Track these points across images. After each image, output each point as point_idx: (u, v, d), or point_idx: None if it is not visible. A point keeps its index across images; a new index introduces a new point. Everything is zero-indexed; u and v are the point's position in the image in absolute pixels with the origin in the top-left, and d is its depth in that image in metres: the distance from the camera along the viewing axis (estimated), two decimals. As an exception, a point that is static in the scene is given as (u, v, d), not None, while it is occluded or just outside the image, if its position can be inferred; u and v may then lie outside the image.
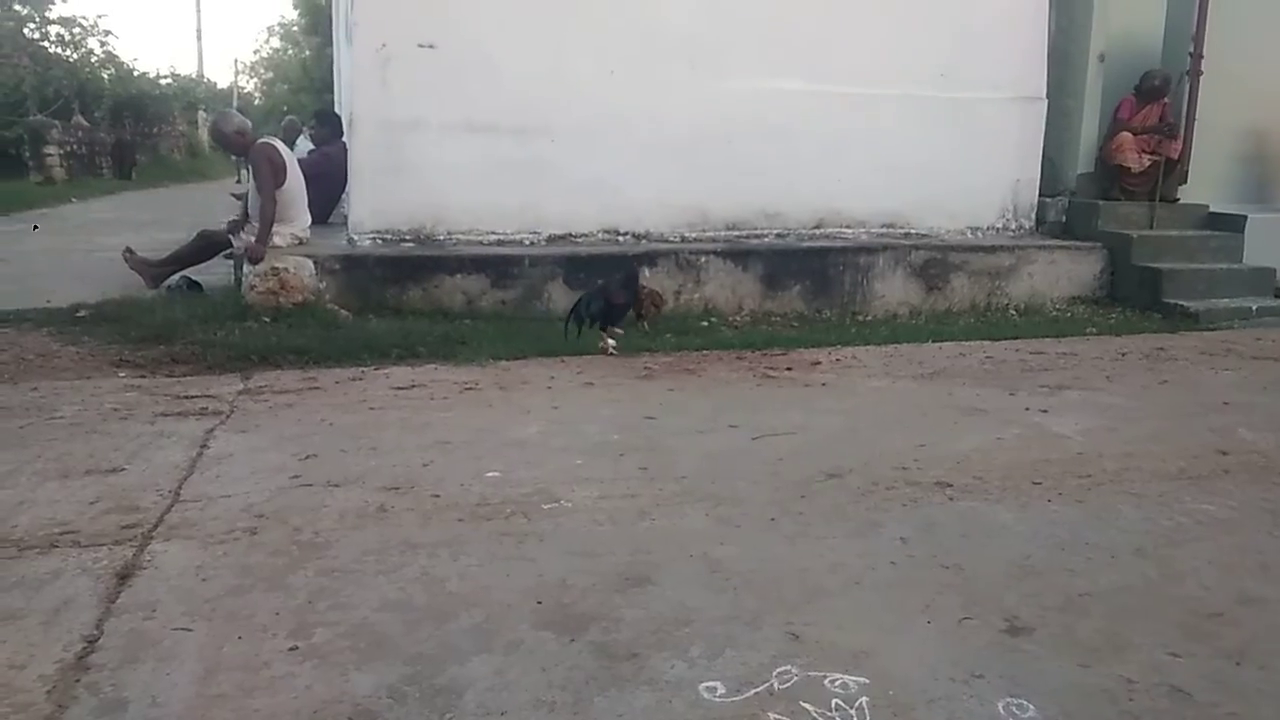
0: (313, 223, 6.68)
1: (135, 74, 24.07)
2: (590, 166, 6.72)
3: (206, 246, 6.80)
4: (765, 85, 7.00)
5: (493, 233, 6.67)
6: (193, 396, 4.32)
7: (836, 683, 2.18)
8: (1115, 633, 2.43)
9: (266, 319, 5.59)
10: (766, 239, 7.18)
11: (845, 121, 7.21)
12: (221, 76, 59.90)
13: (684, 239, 7.01)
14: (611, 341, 5.44)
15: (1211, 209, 7.97)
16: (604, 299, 5.45)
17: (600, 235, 6.91)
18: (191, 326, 5.40)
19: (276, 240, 6.14)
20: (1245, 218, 7.78)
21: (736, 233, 7.17)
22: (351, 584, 2.60)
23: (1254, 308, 7.13)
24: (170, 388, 4.48)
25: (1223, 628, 2.47)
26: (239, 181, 16.27)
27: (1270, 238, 7.78)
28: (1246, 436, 4.11)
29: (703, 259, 6.65)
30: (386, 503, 3.14)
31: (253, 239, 6.01)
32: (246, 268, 5.90)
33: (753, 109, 6.99)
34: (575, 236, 6.84)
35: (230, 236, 6.56)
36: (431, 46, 6.37)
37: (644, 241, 6.90)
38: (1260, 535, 3.08)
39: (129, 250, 6.85)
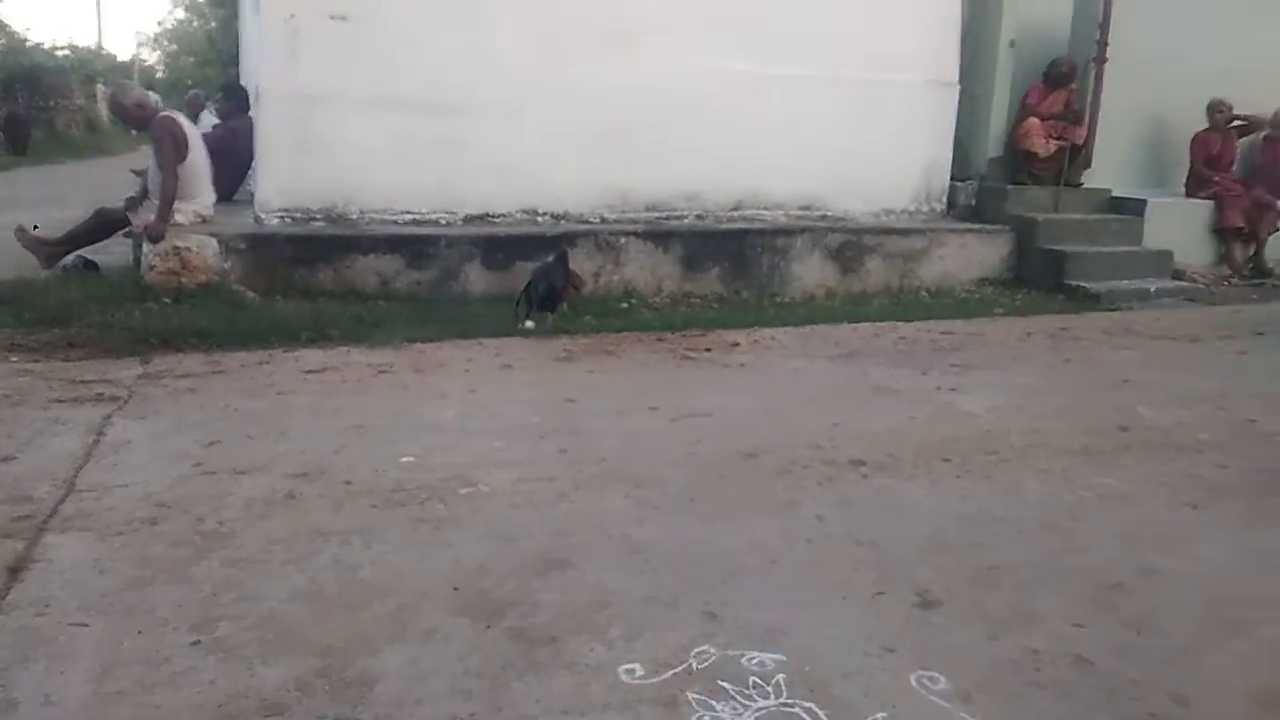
0: (217, 200, 6.43)
1: (29, 44, 22.89)
2: (509, 146, 6.61)
3: (103, 225, 6.49)
4: (686, 66, 6.95)
5: (408, 212, 6.52)
6: (89, 381, 4.13)
7: (754, 661, 2.19)
8: (1022, 605, 2.50)
9: (167, 300, 5.36)
10: (686, 220, 7.18)
11: (764, 103, 7.23)
12: (122, 49, 57.37)
13: (604, 220, 6.96)
14: (529, 323, 5.39)
15: (1114, 193, 8.25)
16: (548, 281, 5.43)
17: (519, 215, 6.81)
18: (88, 308, 5.14)
19: (178, 218, 5.90)
20: (1146, 202, 8.07)
21: (657, 214, 7.15)
22: (258, 574, 2.51)
23: (1153, 289, 7.41)
24: (65, 372, 4.27)
25: (1124, 598, 2.56)
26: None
27: (1169, 221, 8.10)
28: (1145, 414, 4.26)
29: (623, 240, 6.62)
30: (295, 490, 3.05)
31: (152, 216, 5.76)
32: (146, 247, 5.65)
33: (674, 89, 6.94)
34: (493, 217, 6.73)
35: (128, 214, 6.28)
36: (343, 18, 6.17)
37: (563, 222, 6.83)
38: (1158, 509, 3.21)
39: (21, 229, 6.49)
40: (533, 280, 5.50)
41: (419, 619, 2.32)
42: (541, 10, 6.63)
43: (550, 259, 5.67)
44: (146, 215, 5.91)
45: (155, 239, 5.61)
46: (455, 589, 2.47)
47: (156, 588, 2.43)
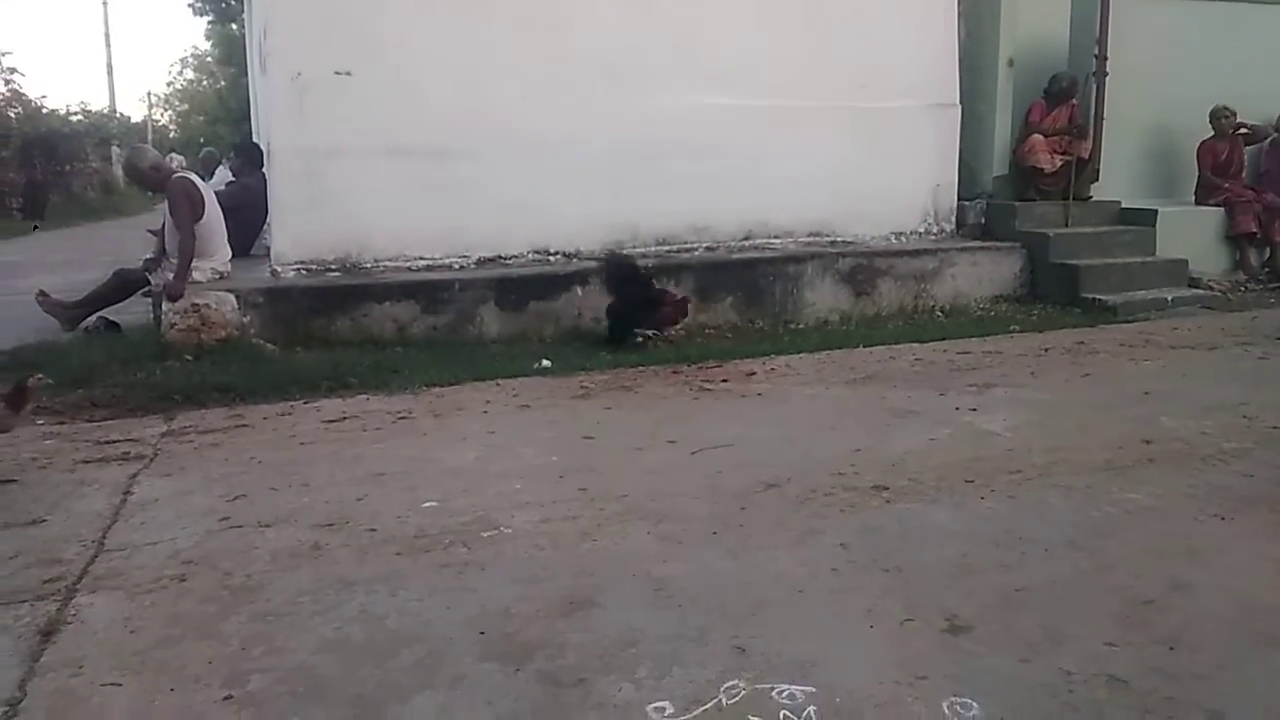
0: (233, 256, 6.53)
1: (44, 111, 23.33)
2: (517, 188, 6.70)
3: (123, 285, 6.60)
4: (688, 101, 7.05)
5: (420, 258, 6.59)
6: (114, 441, 4.18)
7: (784, 694, 2.18)
8: (1052, 626, 2.48)
9: (189, 357, 5.43)
10: (697, 252, 7.23)
11: (769, 134, 7.31)
12: (135, 110, 58.37)
13: (615, 256, 7.01)
14: (546, 362, 5.46)
15: (1123, 205, 8.25)
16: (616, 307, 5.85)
17: (531, 256, 6.88)
18: (111, 368, 5.22)
19: (196, 276, 5.99)
20: (1156, 212, 8.07)
21: (667, 247, 7.20)
22: (286, 627, 2.53)
23: (1169, 298, 7.38)
24: (90, 433, 4.32)
25: (1155, 615, 2.54)
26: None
27: (1181, 230, 8.09)
28: (1168, 425, 4.24)
29: (635, 275, 6.65)
30: (320, 540, 3.07)
31: (170, 276, 5.85)
32: (165, 305, 5.73)
33: (677, 125, 7.03)
34: (505, 258, 6.80)
35: (147, 274, 6.38)
36: (348, 73, 6.29)
37: (575, 260, 6.89)
38: (1186, 521, 3.18)
39: (42, 293, 6.61)
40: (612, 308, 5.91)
41: (447, 665, 2.32)
42: (542, 56, 6.74)
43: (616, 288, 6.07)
44: (165, 275, 5.99)
45: (174, 298, 5.69)
46: (482, 633, 2.47)
47: (187, 644, 2.45)
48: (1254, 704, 2.14)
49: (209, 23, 30.22)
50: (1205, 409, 4.45)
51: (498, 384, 5.14)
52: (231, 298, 5.78)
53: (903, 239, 7.85)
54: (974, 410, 4.53)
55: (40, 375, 3.96)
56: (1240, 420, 4.27)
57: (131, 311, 6.69)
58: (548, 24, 6.74)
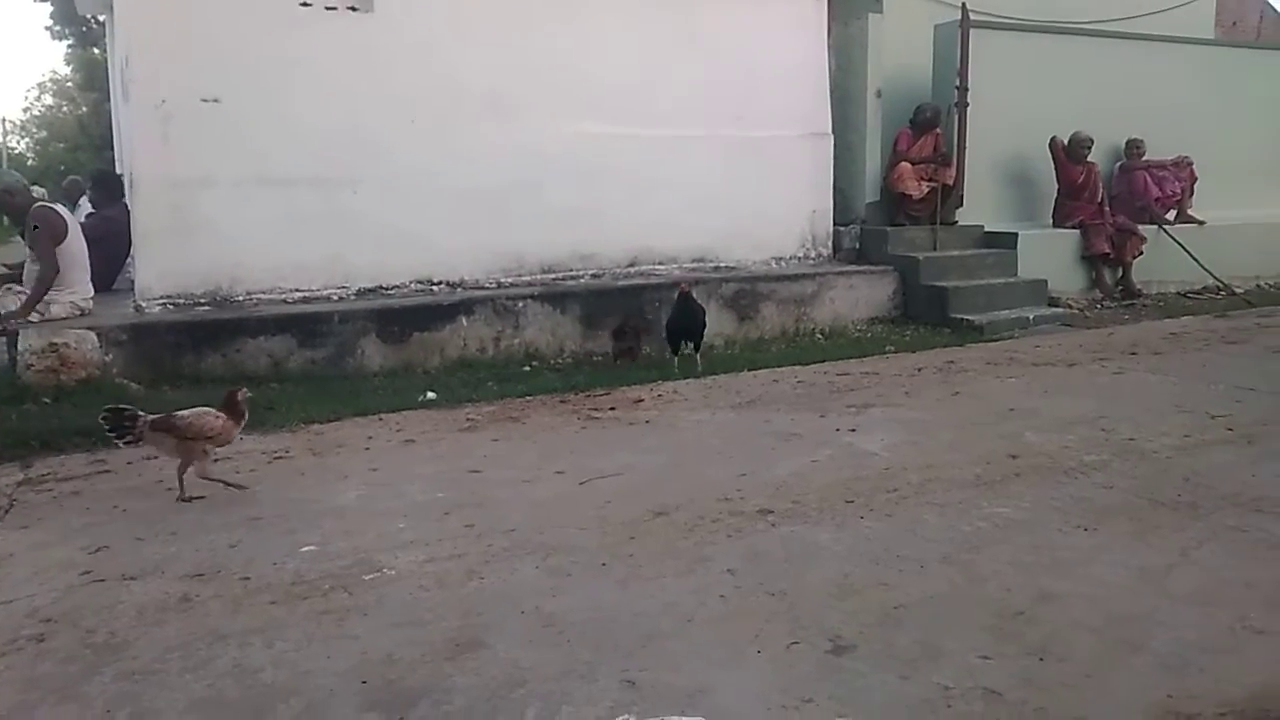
0: (95, 291, 6.21)
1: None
2: (398, 217, 6.60)
3: (-28, 324, 6.19)
4: (571, 130, 7.10)
5: (297, 289, 6.41)
6: (-37, 493, 3.91)
7: (674, 726, 2.18)
8: (930, 642, 2.56)
9: (47, 400, 5.13)
10: (583, 280, 7.25)
11: (651, 162, 7.41)
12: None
13: (500, 285, 6.97)
14: (431, 394, 5.38)
15: (987, 229, 8.67)
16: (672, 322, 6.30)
17: (413, 286, 6.77)
18: (-42, 414, 4.89)
19: (55, 309, 5.69)
20: (1017, 235, 8.51)
21: (553, 275, 7.20)
22: (154, 686, 2.39)
23: (1031, 317, 7.77)
24: (-66, 485, 4.03)
25: (1026, 626, 2.65)
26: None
27: (1040, 251, 8.54)
28: (1032, 440, 4.44)
29: (520, 304, 6.63)
30: (190, 592, 2.93)
31: (16, 304, 5.56)
32: (22, 345, 5.40)
33: (560, 154, 7.06)
34: (387, 289, 6.67)
35: (-1, 310, 6.02)
36: (216, 100, 6.09)
37: (459, 290, 6.82)
38: (1052, 533, 3.33)
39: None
40: (670, 326, 6.28)
41: (327, 719, 2.24)
42: (421, 86, 6.69)
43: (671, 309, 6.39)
44: (12, 300, 5.70)
45: (7, 328, 5.38)
46: (364, 682, 2.39)
47: (46, 709, 2.30)
48: (1119, 711, 2.24)
49: (69, 47, 28.89)
50: (1066, 423, 4.68)
51: (380, 418, 5.02)
52: (93, 335, 5.48)
53: (783, 264, 8.05)
54: (853, 431, 4.66)
55: (245, 389, 4.00)
56: (1099, 433, 4.51)
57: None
58: (429, 51, 6.69)
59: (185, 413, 3.80)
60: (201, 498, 3.78)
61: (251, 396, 4.08)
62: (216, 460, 3.98)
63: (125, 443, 3.78)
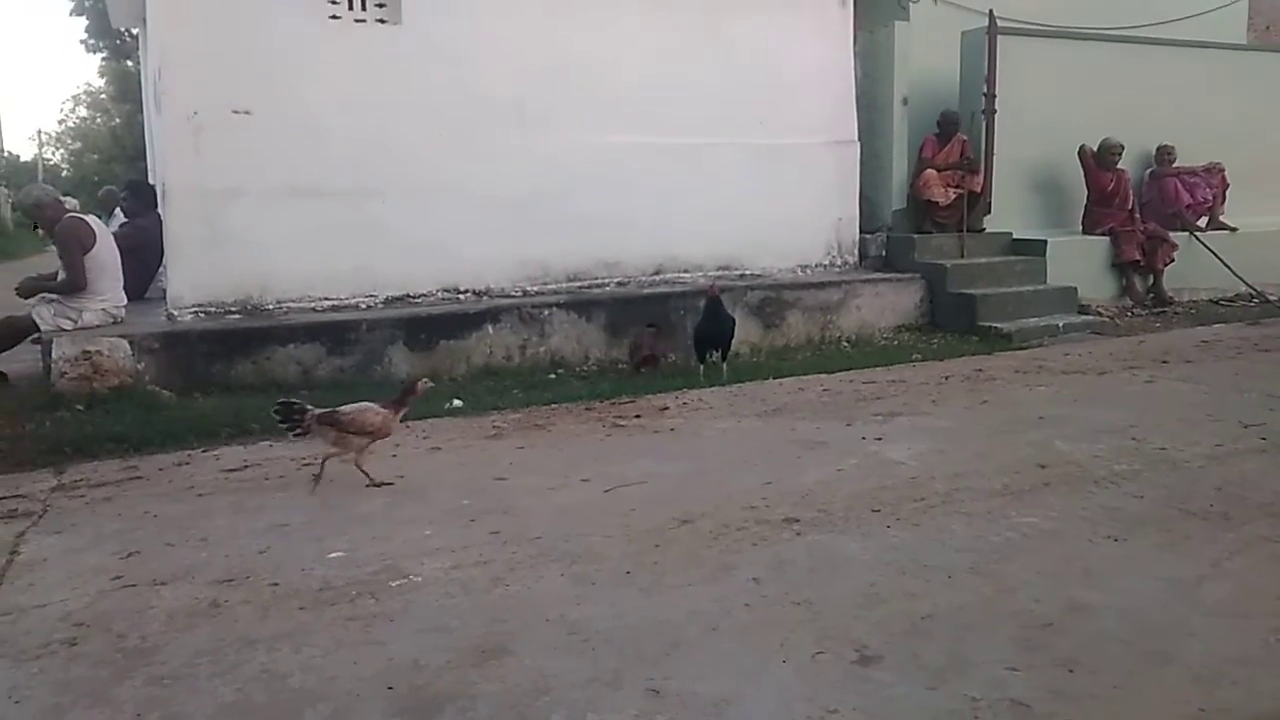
0: (128, 299, 6.31)
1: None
2: (426, 226, 6.65)
3: (9, 333, 6.30)
4: (596, 139, 7.12)
5: (326, 298, 6.48)
6: (0, 498, 3.97)
7: (698, 736, 2.18)
8: (957, 652, 2.53)
9: (80, 407, 5.21)
10: (608, 288, 7.26)
11: (677, 171, 7.42)
12: (24, 149, 55.96)
13: (526, 293, 7.00)
14: (457, 401, 5.42)
15: (1015, 236, 8.60)
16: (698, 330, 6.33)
17: (440, 294, 6.82)
18: (-5, 420, 4.98)
19: (87, 317, 5.78)
20: (1046, 242, 8.42)
21: (578, 284, 7.22)
22: (184, 690, 2.42)
23: (1060, 324, 7.69)
24: (-28, 491, 4.10)
25: (1054, 637, 2.62)
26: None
27: (1070, 258, 8.46)
28: (1062, 448, 4.39)
29: (546, 312, 6.66)
30: (219, 597, 2.96)
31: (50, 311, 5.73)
32: (55, 352, 5.49)
33: (586, 163, 7.09)
34: (414, 297, 6.72)
35: (34, 317, 6.11)
36: (247, 112, 6.18)
37: (485, 298, 6.86)
38: (1081, 543, 3.29)
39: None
40: (699, 334, 6.32)
41: (354, 723, 2.26)
42: (449, 96, 6.73)
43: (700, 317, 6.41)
44: (45, 310, 5.83)
45: (43, 339, 5.58)
46: (390, 688, 2.41)
47: (78, 712, 2.33)
48: (1148, 721, 2.22)
49: (103, 59, 29.40)
50: (1096, 432, 4.63)
51: (407, 426, 5.04)
52: (125, 343, 5.57)
53: (808, 271, 8.03)
54: (880, 440, 4.63)
55: (428, 379, 4.12)
56: (1130, 443, 4.46)
57: (19, 360, 6.38)
58: (456, 62, 6.74)
59: (348, 408, 3.95)
60: (390, 484, 4.01)
61: (433, 386, 4.21)
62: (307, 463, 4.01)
63: (295, 435, 3.94)
